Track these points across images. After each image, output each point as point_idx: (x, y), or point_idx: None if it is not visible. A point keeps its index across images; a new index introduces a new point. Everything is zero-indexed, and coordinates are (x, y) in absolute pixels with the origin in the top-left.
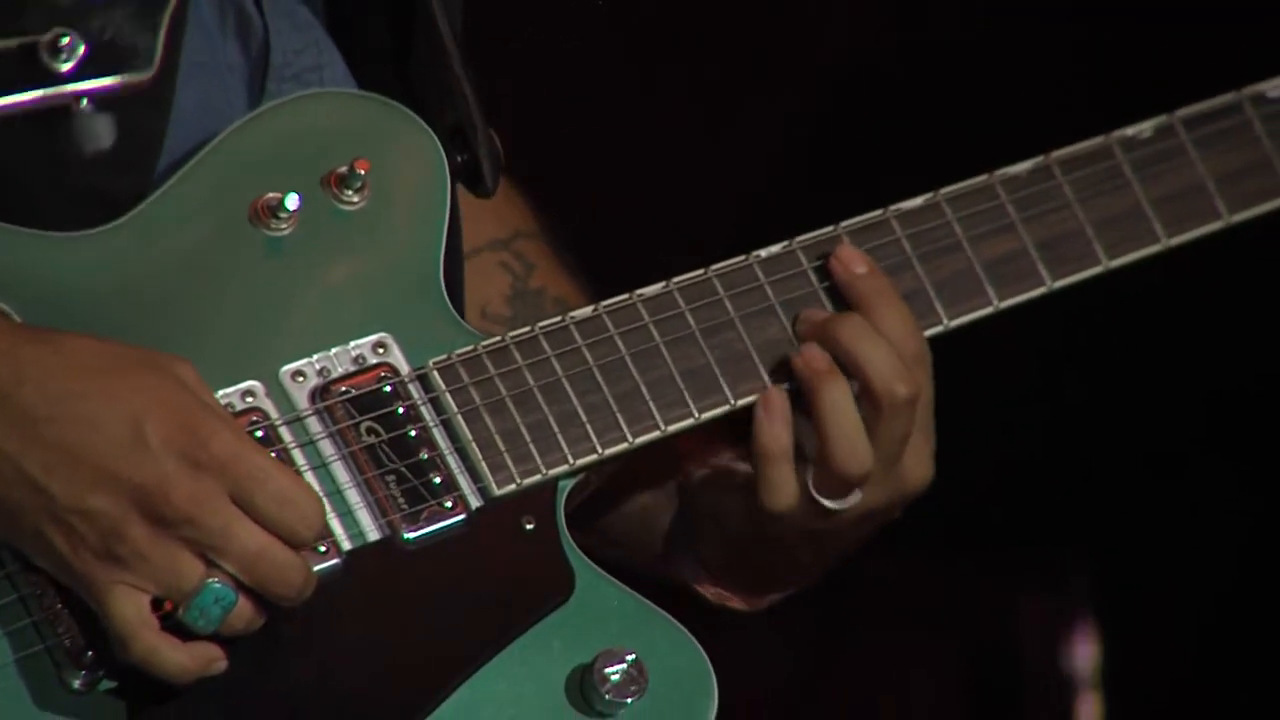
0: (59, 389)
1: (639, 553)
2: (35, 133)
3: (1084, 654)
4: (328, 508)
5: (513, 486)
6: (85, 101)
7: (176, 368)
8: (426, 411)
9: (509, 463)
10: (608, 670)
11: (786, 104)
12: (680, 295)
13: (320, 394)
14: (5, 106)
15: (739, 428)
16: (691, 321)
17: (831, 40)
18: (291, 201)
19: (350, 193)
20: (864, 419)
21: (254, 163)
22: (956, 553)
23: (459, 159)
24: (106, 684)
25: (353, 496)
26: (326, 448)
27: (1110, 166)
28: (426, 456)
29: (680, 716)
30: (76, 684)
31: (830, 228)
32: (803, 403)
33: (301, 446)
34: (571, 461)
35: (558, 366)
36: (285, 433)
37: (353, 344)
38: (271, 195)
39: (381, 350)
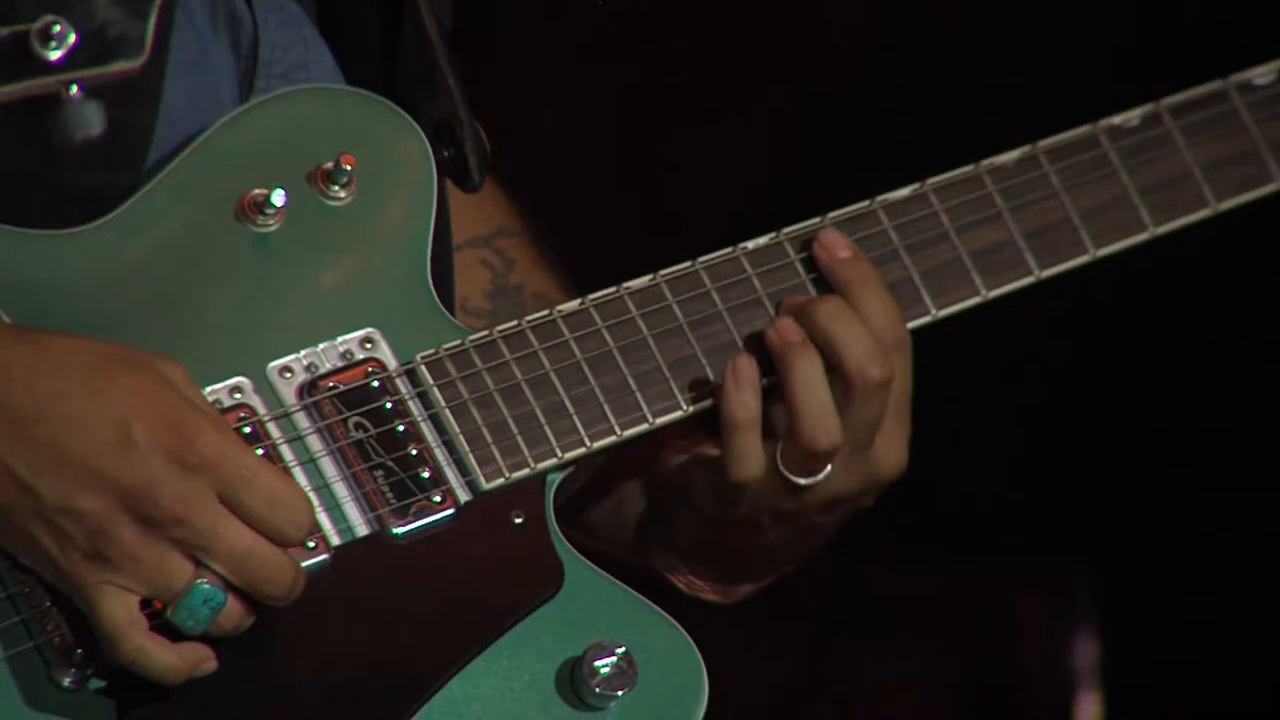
0: (46, 389)
1: (613, 545)
2: (25, 121)
3: (1083, 656)
4: (316, 503)
5: (501, 480)
6: (75, 88)
7: (164, 367)
8: (414, 406)
9: (497, 456)
10: (598, 663)
11: (782, 100)
12: (667, 288)
13: (308, 389)
14: None
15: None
16: (679, 314)
17: (826, 37)
18: (278, 197)
19: (337, 188)
20: (836, 399)
21: (240, 159)
22: (955, 555)
23: (446, 154)
24: (96, 683)
25: (341, 492)
26: (314, 443)
27: (1097, 155)
28: (414, 451)
29: (671, 709)
30: (66, 682)
31: (817, 219)
32: (775, 385)
33: (289, 442)
34: (560, 455)
35: (545, 360)
36: (273, 428)
37: (340, 339)
38: (258, 191)
39: (369, 345)
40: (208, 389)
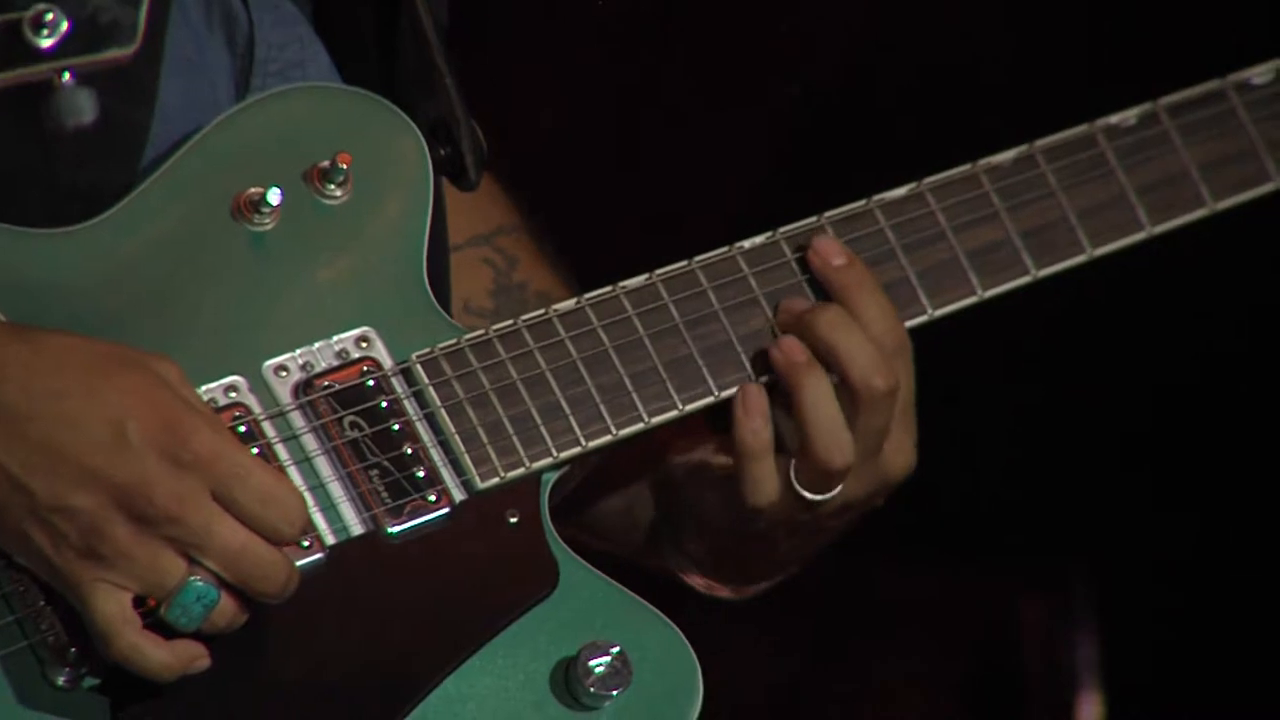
0: (41, 387)
1: (623, 546)
2: (18, 110)
3: (1084, 656)
4: (311, 502)
5: (496, 479)
6: (67, 76)
7: (158, 366)
8: (410, 405)
9: (492, 455)
10: (592, 663)
11: (782, 100)
12: (663, 287)
13: (303, 388)
14: None
15: (720, 417)
16: (675, 313)
17: (827, 38)
18: (274, 196)
19: (333, 187)
20: (844, 412)
21: (236, 158)
22: (955, 556)
23: (442, 152)
24: (90, 681)
25: (336, 491)
26: (310, 442)
27: (1094, 155)
28: (410, 450)
29: (666, 709)
30: (61, 681)
31: (814, 218)
32: (782, 395)
33: (284, 441)
34: (555, 454)
35: (541, 359)
36: (268, 427)
37: (336, 338)
38: (254, 190)
39: (364, 344)
40: (203, 388)
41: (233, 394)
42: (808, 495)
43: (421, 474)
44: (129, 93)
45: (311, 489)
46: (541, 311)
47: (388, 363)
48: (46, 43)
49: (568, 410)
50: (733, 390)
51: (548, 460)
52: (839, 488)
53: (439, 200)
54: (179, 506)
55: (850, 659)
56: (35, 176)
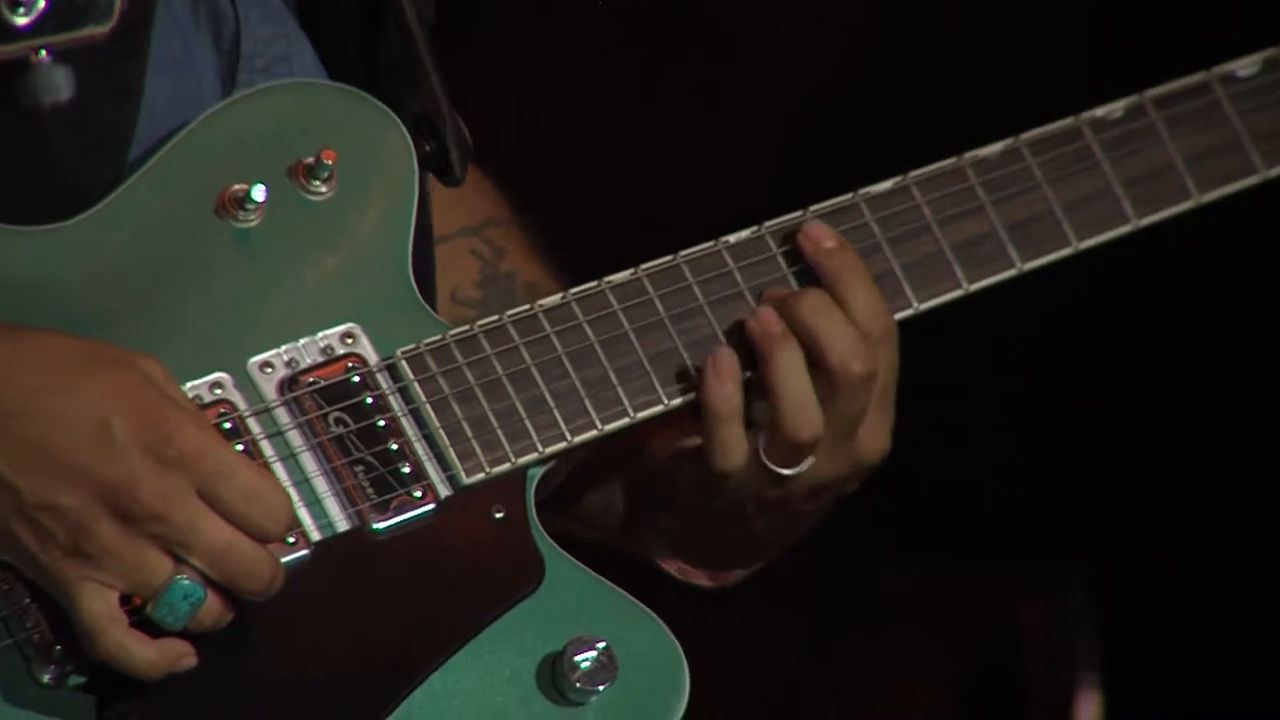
0: (26, 385)
1: (601, 530)
2: None
3: (1083, 655)
4: (296, 499)
5: (482, 475)
6: (44, 53)
7: (143, 364)
8: (395, 401)
9: (478, 451)
10: (578, 658)
11: (782, 100)
12: (649, 281)
13: (288, 385)
14: None
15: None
16: (660, 308)
17: (827, 37)
18: (258, 193)
19: (317, 183)
20: (819, 392)
21: (220, 155)
22: (955, 555)
23: (427, 148)
24: (76, 679)
25: (321, 487)
26: (295, 439)
27: (1080, 147)
28: (395, 446)
29: (652, 703)
30: (46, 678)
31: (799, 212)
32: (758, 376)
33: (270, 438)
34: (540, 449)
35: (526, 355)
36: (253, 424)
37: (321, 335)
38: (238, 187)
39: (350, 340)
40: (188, 385)
41: (218, 391)
42: (777, 470)
43: (407, 470)
44: (115, 88)
45: (296, 485)
46: (527, 307)
47: (373, 358)
48: (22, 20)
49: (553, 405)
50: None
51: (533, 455)
52: (808, 463)
53: (423, 196)
54: (164, 505)
55: (849, 658)
56: (20, 170)
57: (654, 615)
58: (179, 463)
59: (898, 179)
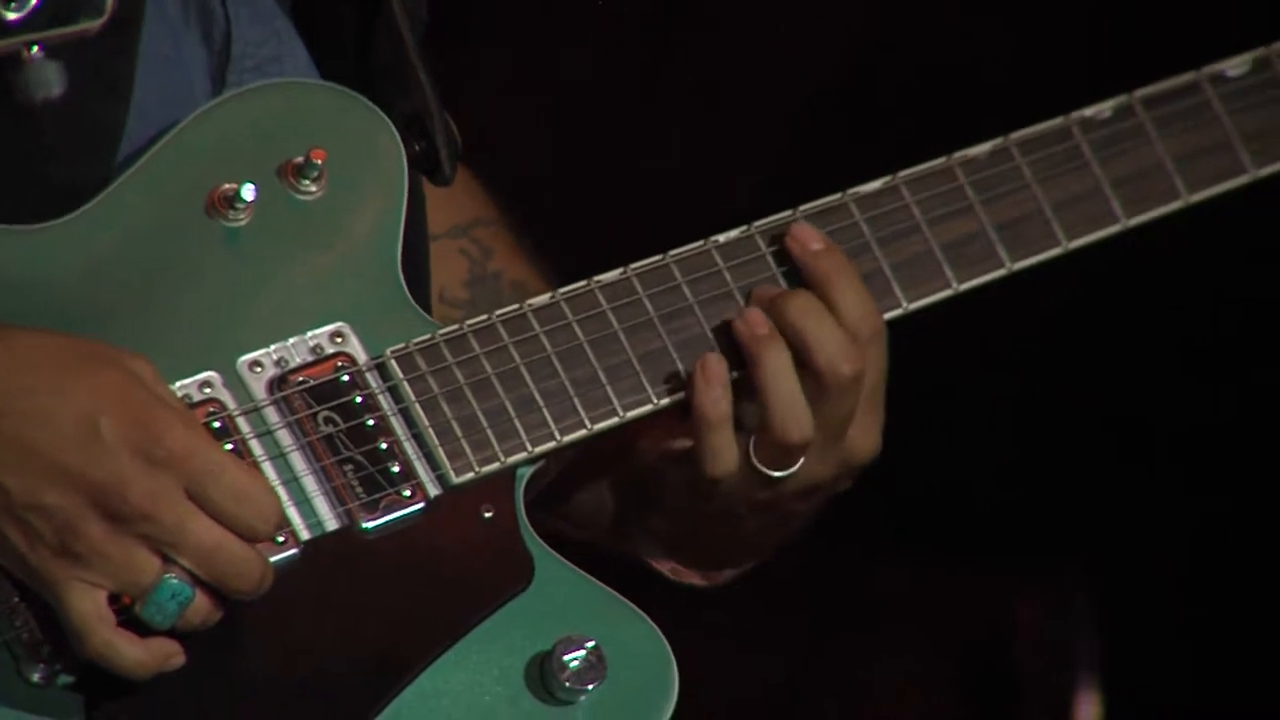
0: (14, 384)
1: (593, 530)
2: None
3: (1082, 655)
4: (285, 498)
5: (471, 474)
6: (36, 49)
7: (132, 363)
8: (384, 400)
9: (467, 450)
10: (567, 658)
11: (782, 100)
12: (638, 281)
13: (278, 384)
14: None
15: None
16: (649, 307)
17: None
18: (248, 192)
19: (307, 182)
20: (808, 394)
21: (210, 154)
22: (952, 555)
23: (417, 147)
24: (65, 678)
25: (310, 486)
26: (284, 438)
27: (1070, 147)
28: (384, 445)
29: (641, 703)
30: (35, 677)
31: (788, 212)
32: (746, 377)
33: (259, 437)
34: (530, 449)
35: (515, 354)
36: (243, 423)
37: (310, 334)
38: (228, 186)
39: (339, 340)
40: (177, 384)
41: (207, 390)
42: (767, 471)
43: (396, 469)
44: (105, 86)
45: (286, 484)
46: (516, 306)
47: (362, 358)
48: (14, 15)
49: (542, 404)
50: None
51: (522, 455)
52: (798, 465)
53: (415, 194)
54: (153, 504)
55: (847, 659)
56: (10, 168)
57: (643, 614)
58: (168, 462)
59: (887, 179)
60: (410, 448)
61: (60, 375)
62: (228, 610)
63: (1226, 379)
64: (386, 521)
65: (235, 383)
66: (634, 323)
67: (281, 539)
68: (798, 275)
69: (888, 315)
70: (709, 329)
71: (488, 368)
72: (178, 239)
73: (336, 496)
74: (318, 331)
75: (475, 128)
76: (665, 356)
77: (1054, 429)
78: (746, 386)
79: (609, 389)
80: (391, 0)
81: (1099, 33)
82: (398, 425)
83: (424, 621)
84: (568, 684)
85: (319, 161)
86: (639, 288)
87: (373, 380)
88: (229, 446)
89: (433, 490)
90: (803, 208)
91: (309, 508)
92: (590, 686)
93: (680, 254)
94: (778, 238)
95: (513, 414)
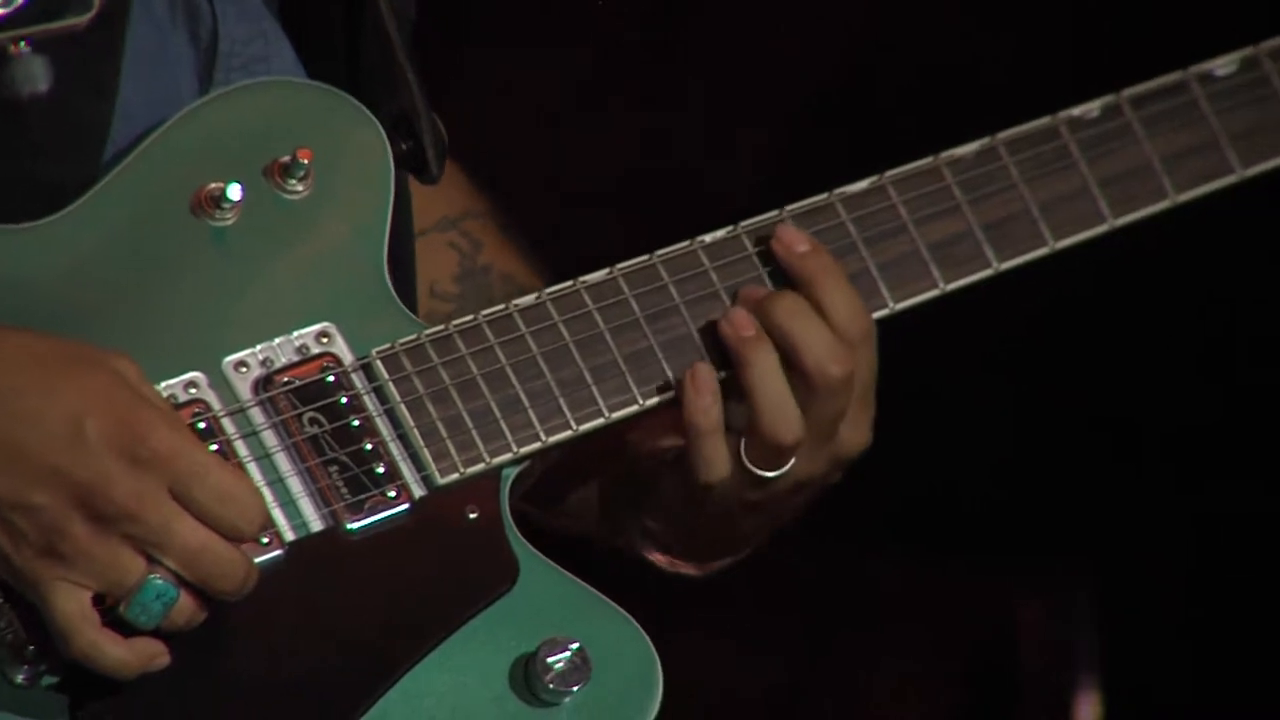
0: (2, 385)
1: (589, 524)
2: None
3: (1082, 656)
4: (270, 499)
5: (456, 475)
6: (24, 44)
7: (116, 363)
8: (370, 401)
9: (452, 451)
10: (551, 659)
11: (782, 100)
12: (624, 281)
13: (263, 384)
14: None
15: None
16: (635, 307)
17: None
18: (234, 192)
19: (294, 182)
20: (797, 396)
21: (196, 153)
22: (953, 556)
23: (404, 147)
24: (49, 679)
25: (295, 487)
26: (270, 438)
27: (1057, 147)
28: (370, 446)
29: (625, 704)
30: (20, 678)
31: (775, 211)
32: (733, 377)
33: (244, 437)
34: (515, 449)
35: (501, 354)
36: (228, 424)
37: (296, 334)
38: (214, 186)
39: (325, 340)
40: (162, 384)
41: (192, 390)
42: (758, 472)
43: (381, 470)
44: (90, 85)
45: (271, 485)
46: (502, 306)
47: (348, 358)
48: (1, 11)
49: (528, 405)
50: None
51: (508, 455)
52: (790, 464)
53: (401, 194)
54: (137, 505)
55: (847, 658)
56: None
57: (628, 616)
58: (152, 463)
59: (874, 178)
60: (395, 448)
61: (45, 376)
62: (212, 611)
63: (1230, 379)
64: (371, 522)
65: (221, 383)
66: (620, 323)
67: (266, 540)
68: (785, 275)
69: (874, 315)
70: (695, 329)
71: (473, 368)
72: (164, 239)
73: (321, 497)
74: (304, 331)
75: (475, 128)
76: (651, 357)
77: (1054, 429)
78: (735, 387)
79: (595, 389)
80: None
81: (1099, 33)
82: (383, 426)
83: (409, 622)
84: (552, 685)
85: (305, 161)
86: (625, 288)
87: (358, 381)
88: (214, 447)
89: (418, 491)
90: (789, 207)
91: (294, 509)
92: (575, 688)
93: (666, 254)
94: (764, 238)
95: (498, 415)
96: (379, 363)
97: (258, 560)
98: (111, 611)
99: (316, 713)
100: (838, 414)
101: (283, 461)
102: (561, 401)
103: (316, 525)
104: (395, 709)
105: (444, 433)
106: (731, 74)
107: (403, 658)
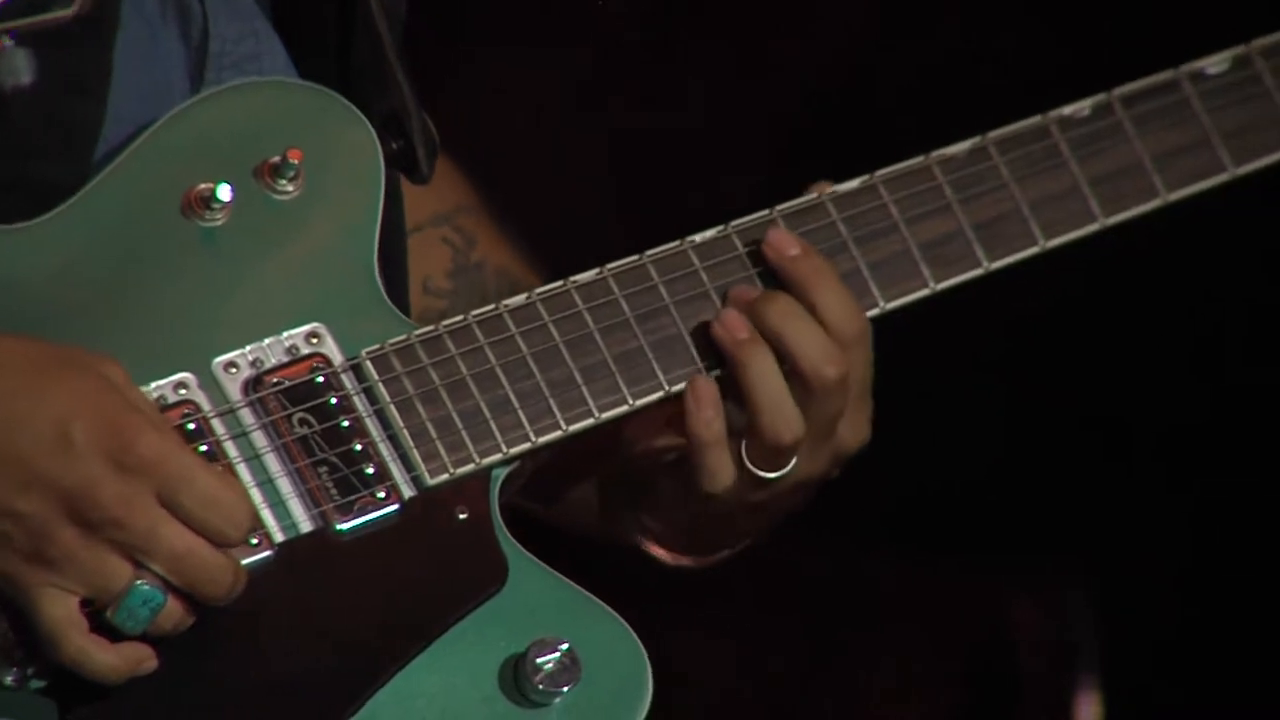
0: None
1: (588, 519)
2: None
3: (1081, 656)
4: (259, 499)
5: (446, 476)
6: (8, 38)
7: (103, 367)
8: (359, 401)
9: (442, 451)
10: (540, 660)
11: (782, 100)
12: (614, 281)
13: (253, 385)
14: None
15: (672, 401)
16: (625, 308)
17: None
18: (224, 192)
19: (284, 182)
20: (795, 397)
21: (186, 153)
22: (952, 556)
23: (394, 146)
24: (37, 682)
25: (285, 488)
26: (259, 439)
27: (1048, 146)
28: (359, 447)
29: (615, 705)
30: (8, 680)
31: (766, 211)
32: (730, 381)
33: (234, 438)
34: (505, 450)
35: (491, 355)
36: (218, 425)
37: (286, 334)
38: (204, 186)
39: (315, 340)
40: (152, 385)
41: (182, 391)
42: (761, 473)
43: (371, 470)
44: (80, 83)
45: (260, 486)
46: (492, 307)
47: (337, 359)
48: None
49: (518, 406)
50: (683, 385)
51: (497, 456)
52: (792, 464)
53: (393, 192)
54: (124, 510)
55: (847, 658)
56: None
57: (617, 616)
58: (139, 468)
59: (864, 178)
60: (385, 449)
61: (32, 380)
62: (200, 614)
63: (1230, 378)
64: (361, 523)
65: (210, 384)
66: (610, 323)
67: (255, 541)
68: (773, 276)
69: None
70: (685, 330)
71: (463, 369)
72: (154, 239)
73: (311, 498)
74: (294, 332)
75: (474, 127)
76: (641, 357)
77: (1055, 429)
78: (731, 389)
79: (585, 390)
80: None
81: (1100, 33)
82: (373, 427)
83: (398, 623)
84: (541, 686)
85: (296, 161)
86: (615, 288)
87: (348, 381)
88: (204, 448)
89: (407, 492)
90: (780, 207)
91: (283, 510)
92: (564, 689)
93: (656, 254)
94: (755, 238)
95: (488, 415)
96: (368, 363)
97: (247, 561)
98: (99, 616)
99: (306, 714)
100: (836, 414)
101: (272, 462)
102: (551, 402)
103: (306, 526)
104: (385, 710)
105: (433, 433)
106: (731, 74)
107: (392, 659)
